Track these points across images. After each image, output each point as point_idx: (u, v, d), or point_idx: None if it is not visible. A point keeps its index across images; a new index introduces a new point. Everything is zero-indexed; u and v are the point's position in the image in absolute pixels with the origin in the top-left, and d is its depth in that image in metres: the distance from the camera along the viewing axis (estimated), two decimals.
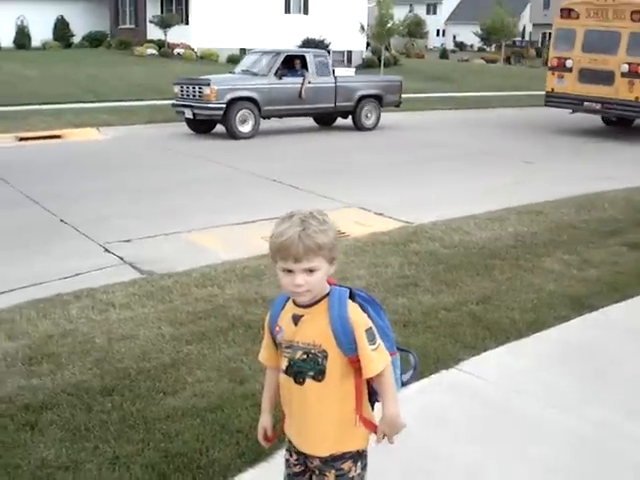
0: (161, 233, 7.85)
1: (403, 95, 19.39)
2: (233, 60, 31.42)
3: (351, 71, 19.40)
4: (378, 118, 18.41)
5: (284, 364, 2.33)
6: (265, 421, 2.52)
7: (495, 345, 4.72)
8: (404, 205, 9.51)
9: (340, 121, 18.53)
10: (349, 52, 37.62)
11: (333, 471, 2.33)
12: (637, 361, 4.66)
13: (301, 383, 2.28)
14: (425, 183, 11.32)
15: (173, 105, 16.47)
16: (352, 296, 2.28)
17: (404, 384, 2.48)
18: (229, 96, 15.48)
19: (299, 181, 10.85)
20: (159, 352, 4.42)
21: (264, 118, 16.48)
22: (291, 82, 16.60)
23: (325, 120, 18.66)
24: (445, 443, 3.56)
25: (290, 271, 2.17)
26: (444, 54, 55.98)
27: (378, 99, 18.34)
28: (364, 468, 2.40)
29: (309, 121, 18.44)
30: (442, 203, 9.72)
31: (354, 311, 2.23)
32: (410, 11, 44.15)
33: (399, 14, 34.16)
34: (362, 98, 17.89)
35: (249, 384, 3.90)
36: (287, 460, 2.49)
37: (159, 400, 3.78)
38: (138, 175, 11.47)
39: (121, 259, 6.92)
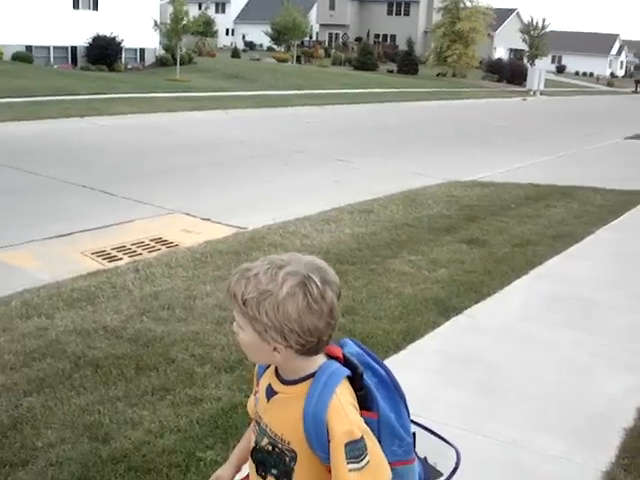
0: None
1: (195, 94, 18.16)
2: (19, 57, 29.19)
3: None
4: None
5: (252, 441, 1.75)
6: (224, 473, 1.92)
7: None
8: (228, 209, 9.00)
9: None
10: (142, 49, 36.23)
11: None
12: (516, 368, 4.48)
13: (263, 477, 1.70)
14: (242, 184, 10.83)
15: None
16: (356, 378, 1.64)
17: None
18: None
19: (112, 186, 9.93)
20: None
21: None
22: None
23: None
24: None
25: None
26: (235, 53, 55.62)
27: None
28: None
29: None
30: (267, 205, 9.33)
31: (337, 413, 1.57)
32: (205, 9, 43.25)
33: (190, 12, 33.17)
34: None
35: (115, 442, 3.20)
36: None
37: (5, 476, 2.99)
38: None
39: None
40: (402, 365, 4.32)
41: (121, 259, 6.74)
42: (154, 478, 2.95)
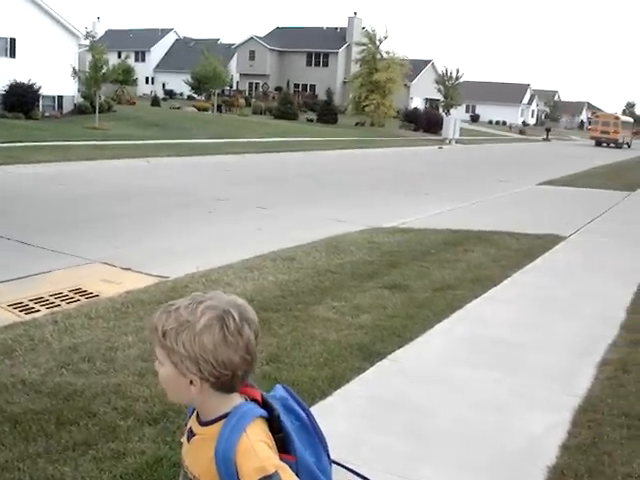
0: None
1: (115, 142, 18.00)
2: None
3: None
4: None
5: None
6: None
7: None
8: (150, 258, 8.89)
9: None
10: (60, 97, 35.78)
11: None
12: (441, 410, 4.54)
13: None
14: (164, 233, 10.73)
15: None
16: (273, 420, 1.65)
17: None
18: None
19: (28, 236, 9.68)
20: None
21: None
22: None
23: None
24: None
25: None
26: (156, 101, 55.47)
27: None
28: None
29: None
30: (189, 253, 9.26)
31: (245, 451, 1.56)
32: (125, 57, 43.04)
33: (110, 60, 33.06)
34: None
35: None
36: None
37: None
38: None
39: None
40: (328, 411, 4.33)
41: (39, 311, 6.56)
42: None
